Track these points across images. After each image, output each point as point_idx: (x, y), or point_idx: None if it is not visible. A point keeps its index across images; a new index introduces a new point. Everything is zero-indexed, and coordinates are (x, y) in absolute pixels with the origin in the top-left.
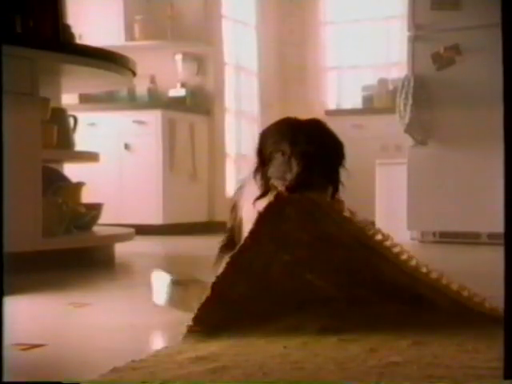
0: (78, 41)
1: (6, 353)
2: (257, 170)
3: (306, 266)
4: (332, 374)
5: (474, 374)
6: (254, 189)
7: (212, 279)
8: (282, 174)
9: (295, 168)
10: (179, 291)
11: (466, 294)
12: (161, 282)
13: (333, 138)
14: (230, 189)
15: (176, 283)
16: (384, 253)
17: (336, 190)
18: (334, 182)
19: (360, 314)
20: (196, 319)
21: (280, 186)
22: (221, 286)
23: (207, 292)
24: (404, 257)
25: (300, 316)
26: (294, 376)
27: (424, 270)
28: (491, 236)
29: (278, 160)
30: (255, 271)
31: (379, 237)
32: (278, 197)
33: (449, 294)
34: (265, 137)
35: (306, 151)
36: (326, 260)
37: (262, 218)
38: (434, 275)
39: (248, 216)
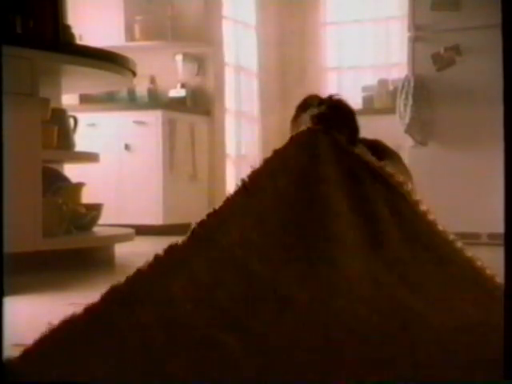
0: (78, 41)
1: (6, 353)
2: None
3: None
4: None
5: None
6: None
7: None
8: (314, 112)
9: (323, 107)
10: None
11: (479, 263)
12: None
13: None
14: (230, 189)
15: None
16: (404, 194)
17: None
18: (354, 128)
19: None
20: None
21: (307, 117)
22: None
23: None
24: (423, 208)
25: None
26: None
27: (440, 227)
28: (491, 236)
29: (307, 114)
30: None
31: (399, 179)
32: (310, 128)
33: (463, 257)
34: (302, 101)
35: (334, 105)
36: (351, 195)
37: (294, 141)
38: (451, 236)
39: None
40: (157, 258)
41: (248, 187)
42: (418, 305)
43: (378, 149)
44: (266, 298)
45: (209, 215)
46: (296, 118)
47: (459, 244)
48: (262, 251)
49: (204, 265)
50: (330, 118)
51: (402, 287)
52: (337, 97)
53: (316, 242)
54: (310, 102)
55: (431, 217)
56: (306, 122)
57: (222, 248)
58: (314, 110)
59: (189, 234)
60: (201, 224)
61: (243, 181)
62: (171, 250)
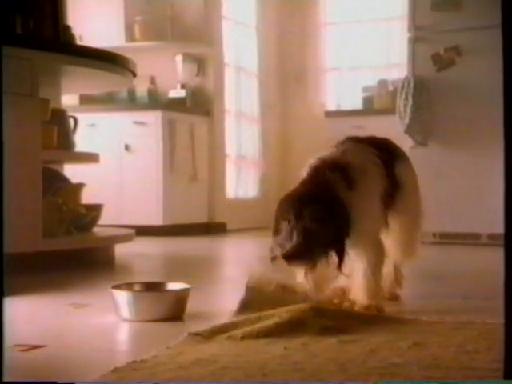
0: (78, 42)
1: (6, 353)
2: (273, 236)
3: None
4: (332, 375)
5: (474, 375)
6: None
7: None
8: (285, 242)
9: (295, 239)
10: (140, 303)
11: None
12: (122, 298)
13: (341, 210)
14: (230, 190)
15: (138, 294)
16: None
17: (341, 260)
18: (338, 252)
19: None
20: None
21: (278, 253)
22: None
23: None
24: None
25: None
26: (294, 377)
27: None
28: (491, 237)
29: (284, 229)
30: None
31: None
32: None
33: None
34: (279, 206)
35: (307, 227)
36: None
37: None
38: None
39: None
40: None
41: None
42: None
43: (388, 149)
44: None
45: None
46: (277, 227)
47: None
48: None
49: None
50: (300, 252)
51: None
52: (313, 204)
53: None
54: (286, 213)
55: None
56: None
57: None
58: (286, 242)
59: None
60: None
61: None
62: None
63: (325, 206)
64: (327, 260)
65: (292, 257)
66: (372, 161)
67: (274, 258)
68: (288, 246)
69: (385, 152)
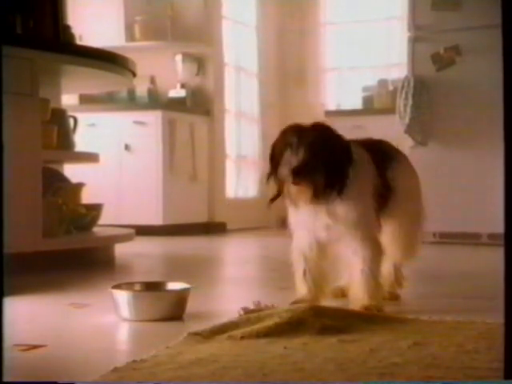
0: (78, 41)
1: (6, 353)
2: (270, 173)
3: None
4: (332, 374)
5: (474, 374)
6: None
7: None
8: (290, 162)
9: (301, 154)
10: (140, 303)
11: None
12: (122, 298)
13: (337, 139)
14: (230, 190)
15: (138, 294)
16: None
17: (341, 187)
18: (339, 178)
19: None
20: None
21: (286, 172)
22: None
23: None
24: None
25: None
26: (294, 377)
27: None
28: (492, 236)
29: (287, 154)
30: None
31: None
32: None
33: None
34: (275, 142)
35: (311, 141)
36: None
37: None
38: None
39: None
40: None
41: None
42: None
43: (382, 150)
44: None
45: None
46: (276, 155)
47: None
48: None
49: None
50: (306, 170)
51: None
52: (316, 130)
53: None
54: (287, 141)
55: None
56: (284, 175)
57: None
58: (292, 160)
59: None
60: None
61: None
62: None
63: (328, 134)
64: (330, 190)
65: (300, 172)
66: (366, 161)
67: (272, 200)
68: (295, 161)
69: (379, 154)
